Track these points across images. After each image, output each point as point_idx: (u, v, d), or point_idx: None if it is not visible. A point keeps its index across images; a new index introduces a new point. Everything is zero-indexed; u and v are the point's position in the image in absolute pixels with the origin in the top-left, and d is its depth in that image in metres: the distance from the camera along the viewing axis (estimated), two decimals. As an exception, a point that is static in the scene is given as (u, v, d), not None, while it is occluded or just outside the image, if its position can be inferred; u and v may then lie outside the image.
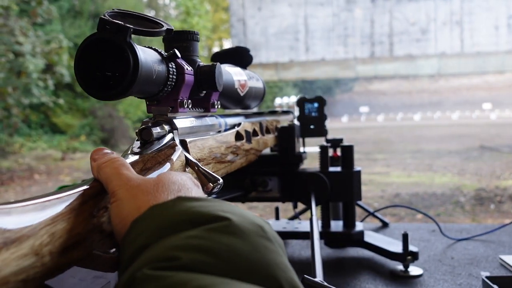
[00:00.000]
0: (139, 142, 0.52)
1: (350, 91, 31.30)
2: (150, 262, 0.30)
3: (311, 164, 1.15)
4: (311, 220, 0.92)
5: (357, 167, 1.05)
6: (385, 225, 1.35)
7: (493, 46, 8.97)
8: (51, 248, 0.34)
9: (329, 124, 1.15)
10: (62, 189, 0.39)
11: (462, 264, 1.01)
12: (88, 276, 0.39)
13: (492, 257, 1.05)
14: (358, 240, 1.06)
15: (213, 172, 0.54)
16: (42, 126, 11.88)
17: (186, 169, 0.54)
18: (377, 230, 1.31)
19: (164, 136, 0.54)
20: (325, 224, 1.08)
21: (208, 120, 0.68)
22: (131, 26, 0.45)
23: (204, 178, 0.52)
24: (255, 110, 1.01)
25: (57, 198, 0.37)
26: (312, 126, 1.13)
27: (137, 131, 0.52)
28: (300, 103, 1.14)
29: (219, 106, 0.71)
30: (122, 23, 0.45)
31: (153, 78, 0.50)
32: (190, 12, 16.45)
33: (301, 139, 1.13)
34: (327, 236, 1.08)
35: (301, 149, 1.12)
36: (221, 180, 0.52)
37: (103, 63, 0.46)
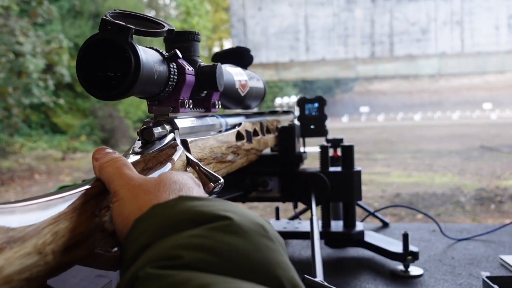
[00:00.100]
0: (140, 142, 0.52)
1: (351, 91, 31.29)
2: (153, 261, 0.30)
3: (311, 164, 1.16)
4: (312, 220, 0.92)
5: (357, 167, 1.05)
6: (385, 225, 1.35)
7: (493, 46, 8.97)
8: (54, 247, 0.34)
9: (329, 124, 1.15)
10: (63, 189, 0.39)
11: (462, 264, 1.02)
12: (90, 275, 0.39)
13: (492, 257, 1.05)
14: (359, 240, 1.07)
15: (214, 172, 0.54)
16: (42, 126, 11.89)
17: (187, 169, 0.54)
18: (377, 230, 1.31)
19: (165, 136, 0.54)
20: (326, 224, 1.08)
21: (209, 120, 0.69)
22: (132, 27, 0.45)
23: (205, 178, 0.52)
24: (255, 110, 1.01)
25: (60, 198, 0.37)
26: (312, 126, 1.13)
27: (138, 131, 0.52)
28: (301, 103, 1.14)
29: (220, 106, 0.71)
30: (124, 23, 0.45)
31: (155, 78, 0.50)
32: (190, 12, 16.45)
33: (301, 139, 1.13)
34: (328, 236, 1.08)
35: (302, 149, 1.12)
36: (222, 180, 0.52)
37: (105, 63, 0.46)
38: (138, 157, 0.48)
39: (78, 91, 11.76)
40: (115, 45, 0.46)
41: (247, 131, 0.83)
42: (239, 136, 0.78)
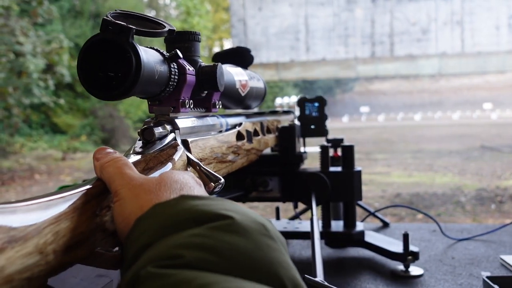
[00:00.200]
0: (141, 142, 0.52)
1: (351, 91, 31.28)
2: (154, 260, 0.30)
3: (311, 164, 1.16)
4: (312, 220, 0.92)
5: (357, 167, 1.05)
6: (385, 225, 1.35)
7: (494, 46, 8.96)
8: (55, 246, 0.34)
9: (329, 124, 1.15)
10: (64, 189, 0.40)
11: (462, 264, 1.02)
12: (91, 274, 0.39)
13: (493, 257, 1.05)
14: (359, 240, 1.07)
15: (214, 172, 0.54)
16: (42, 126, 11.89)
17: (188, 169, 0.54)
18: (377, 230, 1.31)
19: (166, 136, 0.54)
20: (326, 224, 1.08)
21: (210, 120, 0.69)
22: (133, 27, 0.46)
23: (205, 178, 0.52)
24: (256, 110, 1.02)
25: (61, 198, 0.37)
26: (312, 126, 1.13)
27: (139, 131, 0.52)
28: (301, 103, 1.14)
29: (220, 106, 0.72)
30: (125, 24, 0.45)
31: (155, 78, 0.50)
32: (191, 12, 16.46)
33: (301, 139, 1.13)
34: (328, 236, 1.08)
35: (302, 149, 1.12)
36: (222, 180, 0.52)
37: (106, 63, 0.46)
38: (139, 157, 0.48)
39: (79, 91, 11.77)
40: (116, 45, 0.46)
41: (247, 131, 0.83)
42: (239, 136, 0.79)
